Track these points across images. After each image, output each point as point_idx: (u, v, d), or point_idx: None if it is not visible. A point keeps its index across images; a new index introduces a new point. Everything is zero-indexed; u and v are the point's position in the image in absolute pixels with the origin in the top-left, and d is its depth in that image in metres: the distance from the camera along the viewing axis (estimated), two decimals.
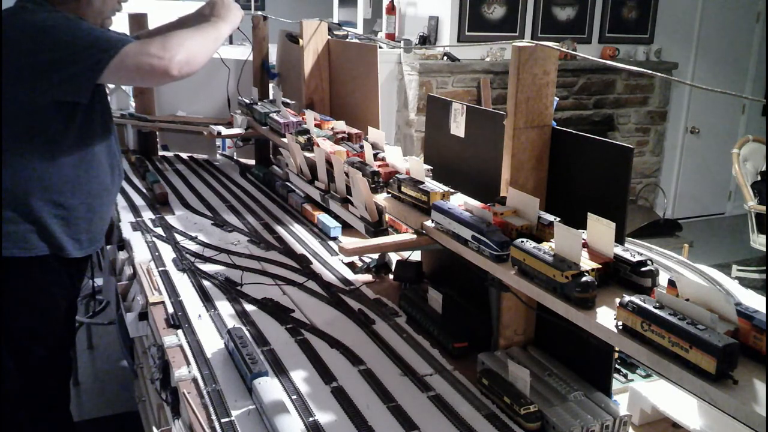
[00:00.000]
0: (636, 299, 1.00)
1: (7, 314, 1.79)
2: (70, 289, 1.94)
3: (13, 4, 1.73)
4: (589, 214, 1.18)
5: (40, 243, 1.76)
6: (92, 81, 1.65)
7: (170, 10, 4.25)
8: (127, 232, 2.27)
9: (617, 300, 1.02)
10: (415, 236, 1.61)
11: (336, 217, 2.23)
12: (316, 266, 2.04)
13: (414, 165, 1.63)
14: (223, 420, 1.26)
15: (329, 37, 2.73)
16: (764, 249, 4.60)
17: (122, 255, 2.25)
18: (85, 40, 1.64)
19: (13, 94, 1.66)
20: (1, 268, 1.74)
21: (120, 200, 2.59)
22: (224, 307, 1.74)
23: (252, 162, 3.27)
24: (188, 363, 1.47)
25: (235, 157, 3.47)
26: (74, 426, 2.17)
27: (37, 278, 1.81)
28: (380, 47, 2.63)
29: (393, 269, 1.95)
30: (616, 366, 1.43)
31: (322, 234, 2.29)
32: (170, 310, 1.70)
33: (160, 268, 1.97)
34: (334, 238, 2.24)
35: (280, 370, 1.44)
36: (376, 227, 1.77)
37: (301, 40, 2.73)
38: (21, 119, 1.69)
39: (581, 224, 1.18)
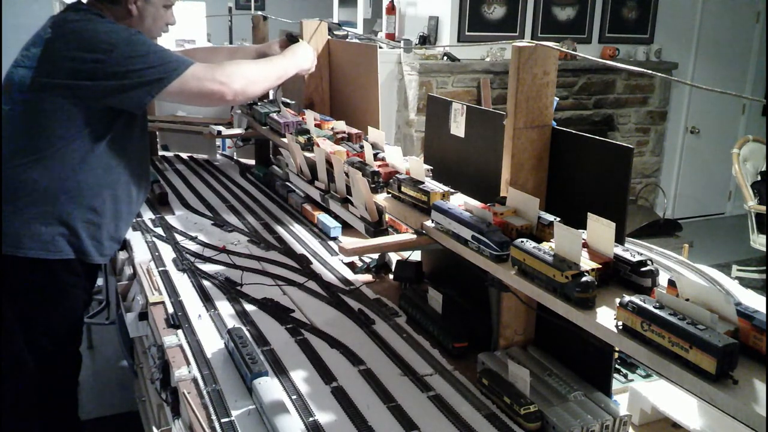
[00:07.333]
0: (636, 299, 1.00)
1: (29, 313, 1.81)
2: (88, 290, 1.98)
3: (72, 11, 1.75)
4: (589, 214, 1.18)
5: (66, 247, 1.78)
6: (152, 95, 1.72)
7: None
8: (127, 232, 2.27)
9: (617, 300, 1.02)
10: (415, 236, 1.61)
11: (336, 217, 2.23)
12: (316, 266, 2.03)
13: (414, 165, 1.63)
14: (223, 420, 1.26)
15: (329, 37, 2.72)
16: (764, 249, 4.60)
17: (122, 255, 2.25)
18: (155, 56, 1.71)
19: (61, 97, 1.68)
20: (27, 268, 1.76)
21: None
22: (224, 307, 1.74)
23: (252, 162, 3.27)
24: (188, 363, 1.47)
25: (235, 157, 3.47)
26: (81, 425, 2.18)
27: (62, 279, 1.83)
28: (380, 47, 2.63)
29: (393, 269, 1.94)
30: (616, 366, 1.43)
31: (322, 234, 2.29)
32: (170, 310, 1.70)
33: (160, 268, 1.97)
34: (334, 238, 2.24)
35: (280, 370, 1.44)
36: (376, 227, 1.77)
37: (301, 40, 2.72)
38: (62, 123, 1.71)
39: (581, 224, 1.18)
